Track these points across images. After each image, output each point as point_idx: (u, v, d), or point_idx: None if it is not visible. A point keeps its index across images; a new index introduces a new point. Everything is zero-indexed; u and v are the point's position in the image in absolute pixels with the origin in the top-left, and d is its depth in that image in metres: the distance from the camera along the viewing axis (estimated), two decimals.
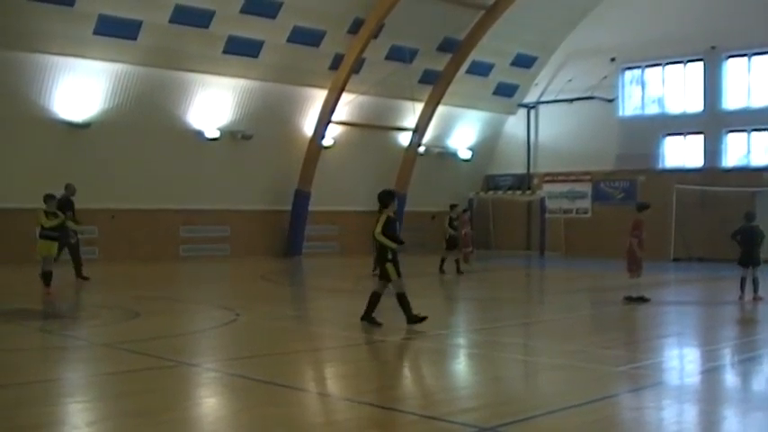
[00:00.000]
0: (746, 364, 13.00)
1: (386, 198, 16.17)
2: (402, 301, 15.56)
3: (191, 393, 10.51)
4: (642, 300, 19.56)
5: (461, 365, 12.93)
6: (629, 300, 19.66)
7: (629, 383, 11.11)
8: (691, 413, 9.75)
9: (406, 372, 12.58)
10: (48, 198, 21.44)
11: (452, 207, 30.62)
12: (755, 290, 20.37)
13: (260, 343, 14.43)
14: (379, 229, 15.44)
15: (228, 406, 9.88)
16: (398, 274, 15.53)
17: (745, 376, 12.20)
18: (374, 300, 15.75)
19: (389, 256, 15.47)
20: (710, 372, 12.31)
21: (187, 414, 9.40)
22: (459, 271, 28.83)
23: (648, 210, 21.12)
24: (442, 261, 29.25)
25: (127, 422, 8.97)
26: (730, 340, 15.61)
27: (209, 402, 10.09)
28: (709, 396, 10.60)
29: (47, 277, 20.81)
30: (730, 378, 12.14)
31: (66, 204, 23.62)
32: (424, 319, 15.47)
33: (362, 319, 15.70)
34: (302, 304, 22.30)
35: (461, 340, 15.23)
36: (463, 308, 21.50)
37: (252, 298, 21.99)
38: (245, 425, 8.97)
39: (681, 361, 13.43)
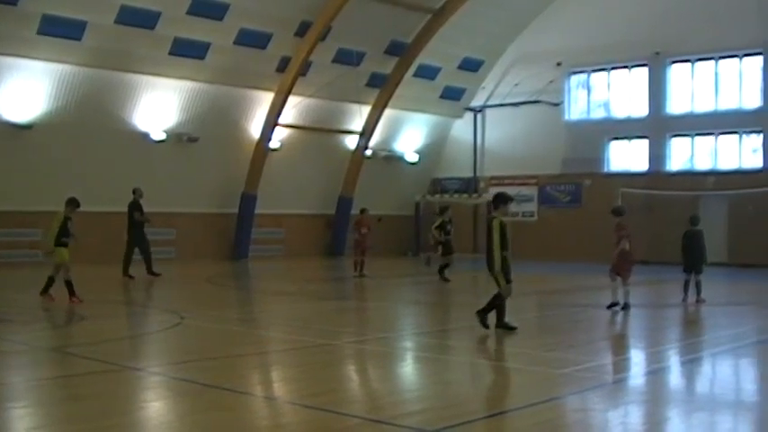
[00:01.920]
0: (690, 365, 13.14)
1: (496, 200, 15.86)
2: (494, 302, 15.34)
3: (135, 398, 10.40)
4: (615, 304, 18.97)
5: (408, 369, 12.94)
6: (624, 307, 18.88)
7: (574, 385, 11.16)
8: (635, 414, 9.82)
9: (353, 375, 12.56)
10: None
11: (443, 210, 29.49)
12: (698, 292, 20.59)
13: (205, 346, 14.34)
14: (497, 238, 15.19)
15: (173, 410, 9.81)
16: (508, 281, 15.32)
17: (689, 377, 12.33)
18: (499, 306, 15.41)
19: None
20: (655, 373, 12.42)
21: (131, 419, 9.30)
22: (444, 278, 27.70)
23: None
24: (441, 268, 27.90)
25: (69, 428, 8.86)
26: (674, 342, 15.77)
27: (154, 407, 9.99)
28: (654, 397, 10.68)
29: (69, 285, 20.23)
30: (674, 379, 12.27)
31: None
32: (514, 328, 15.23)
33: (497, 326, 15.32)
34: (248, 307, 22.21)
35: (408, 343, 15.24)
36: (408, 311, 21.49)
37: (197, 301, 21.87)
38: (190, 429, 8.92)
39: (625, 363, 13.54)
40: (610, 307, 18.92)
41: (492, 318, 15.17)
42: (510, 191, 42.71)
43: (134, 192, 28.31)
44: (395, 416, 9.26)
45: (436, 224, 28.54)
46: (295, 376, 11.86)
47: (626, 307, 18.84)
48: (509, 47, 44.48)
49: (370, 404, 10.21)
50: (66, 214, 20.35)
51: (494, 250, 15.13)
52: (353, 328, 16.48)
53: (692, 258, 20.86)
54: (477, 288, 26.47)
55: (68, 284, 19.81)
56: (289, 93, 37.96)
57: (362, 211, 30.70)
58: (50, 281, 20.11)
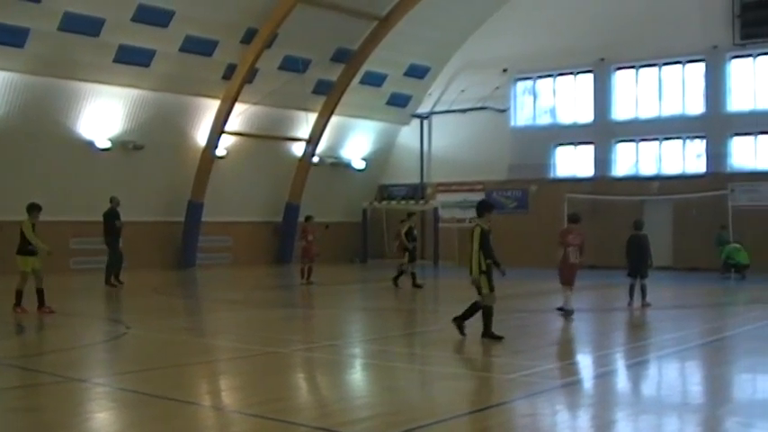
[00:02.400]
0: (636, 368, 13.25)
1: (481, 208, 15.70)
2: (485, 313, 15.21)
3: (79, 409, 10.27)
4: (563, 309, 19.03)
5: (356, 376, 12.92)
6: (568, 313, 18.92)
7: (521, 390, 11.21)
8: (583, 418, 9.88)
9: (299, 383, 12.52)
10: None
11: (409, 216, 29.55)
12: (643, 296, 20.76)
13: (151, 357, 14.22)
14: (476, 246, 15.07)
15: (118, 422, 9.71)
16: (491, 289, 15.22)
17: (635, 380, 12.44)
18: (484, 314, 15.26)
19: (484, 269, 15.15)
20: (601, 377, 12.51)
21: (75, 431, 9.19)
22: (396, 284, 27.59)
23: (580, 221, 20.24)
24: (414, 276, 27.56)
25: None
26: (620, 346, 15.90)
27: (99, 418, 9.87)
28: (601, 400, 10.76)
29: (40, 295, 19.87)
30: (621, 382, 12.37)
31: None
32: (500, 338, 15.05)
33: (483, 336, 15.14)
34: (195, 316, 22.06)
35: (355, 350, 15.21)
36: (356, 318, 21.50)
37: (144, 311, 21.70)
38: None
39: (572, 367, 13.61)
40: (561, 309, 19.07)
41: (475, 326, 15.08)
42: (456, 197, 43.77)
43: (111, 200, 28.60)
44: (342, 423, 9.24)
45: (404, 230, 28.35)
46: (242, 385, 11.80)
47: (566, 312, 18.94)
48: (455, 54, 44.65)
49: (317, 412, 10.17)
50: (31, 221, 19.96)
51: (474, 256, 15.07)
52: (301, 336, 16.43)
53: (636, 263, 21.01)
54: (425, 294, 26.51)
55: (39, 293, 19.65)
56: (235, 100, 37.81)
57: (308, 218, 30.57)
58: (40, 293, 19.78)
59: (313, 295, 26.69)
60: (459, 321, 15.37)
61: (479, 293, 15.23)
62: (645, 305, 20.65)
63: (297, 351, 14.65)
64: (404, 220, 29.19)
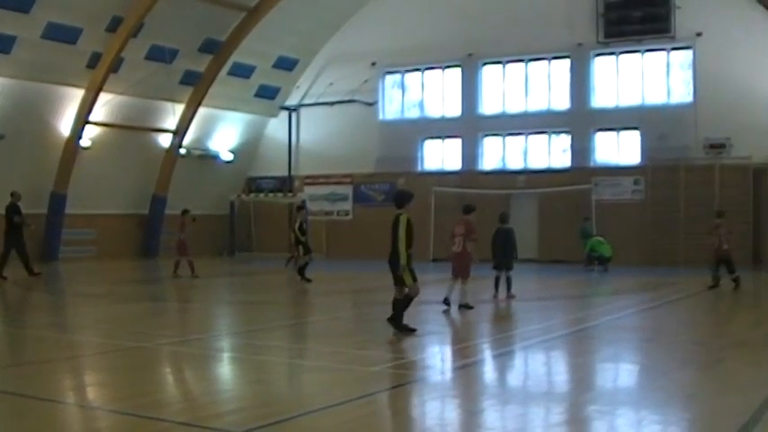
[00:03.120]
0: (501, 358, 13.39)
1: (401, 200, 15.26)
2: (401, 304, 14.86)
3: None
4: (468, 306, 18.85)
5: (221, 369, 12.75)
6: (467, 307, 18.80)
7: (386, 382, 11.24)
8: (447, 409, 9.91)
9: (165, 378, 12.28)
10: None
11: (299, 209, 29.39)
12: (509, 288, 21.02)
13: (10, 353, 13.82)
14: (402, 232, 14.67)
15: None
16: (414, 279, 14.87)
17: (501, 370, 12.57)
18: (402, 303, 14.92)
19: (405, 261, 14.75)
20: (467, 367, 12.59)
21: None
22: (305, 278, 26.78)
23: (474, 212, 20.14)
24: (302, 268, 26.97)
25: None
26: (486, 337, 16.07)
27: None
28: (466, 391, 10.82)
29: None
30: (486, 373, 12.49)
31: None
32: (413, 330, 14.77)
33: (396, 328, 14.79)
34: (57, 311, 21.46)
35: (222, 344, 15.03)
36: (224, 311, 21.29)
37: (3, 306, 21.10)
38: None
39: (437, 358, 13.69)
40: (467, 308, 18.92)
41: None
42: (324, 190, 43.76)
43: (12, 195, 28.15)
44: (206, 417, 9.10)
45: (297, 224, 27.97)
46: (104, 381, 11.52)
47: (467, 307, 18.88)
48: (324, 46, 44.62)
49: (181, 406, 9.99)
50: None
51: (399, 246, 14.72)
52: (167, 330, 16.15)
53: (502, 255, 21.21)
54: (294, 287, 26.40)
55: None
56: (100, 90, 37.10)
57: (185, 211, 30.22)
58: None
59: (179, 289, 26.35)
60: (398, 324, 14.88)
61: (398, 284, 14.92)
62: (510, 297, 20.91)
63: (163, 345, 14.37)
64: (295, 212, 28.81)
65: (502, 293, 20.94)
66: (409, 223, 14.81)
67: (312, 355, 13.75)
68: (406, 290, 14.91)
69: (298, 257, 27.77)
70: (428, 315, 18.06)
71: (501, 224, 21.67)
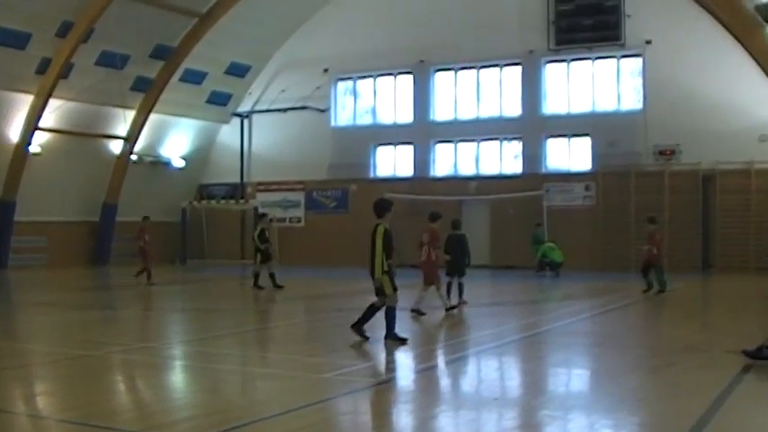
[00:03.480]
0: (454, 364, 13.44)
1: (381, 208, 15.21)
2: (389, 314, 14.74)
3: None
4: (420, 313, 18.99)
5: (173, 377, 12.67)
6: (419, 313, 18.99)
7: (337, 389, 11.22)
8: (401, 415, 9.92)
9: (115, 386, 12.16)
10: None
11: (262, 217, 29.15)
12: (460, 294, 21.05)
13: None
14: (380, 245, 14.54)
15: None
16: (394, 289, 14.75)
17: (454, 376, 12.63)
18: (369, 313, 14.87)
19: (385, 269, 14.62)
20: (420, 373, 12.63)
21: None
22: (276, 285, 26.55)
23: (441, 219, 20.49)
24: (257, 276, 26.82)
25: None
26: (438, 343, 16.11)
27: None
28: (419, 396, 10.84)
29: None
30: (439, 379, 12.51)
31: None
32: (404, 340, 14.68)
33: (352, 326, 14.82)
34: (5, 320, 21.22)
35: (174, 352, 14.94)
36: (175, 319, 21.16)
37: None
38: None
39: (389, 365, 13.67)
40: (449, 310, 19.35)
41: (377, 328, 14.81)
42: (276, 196, 43.63)
43: None
44: (158, 425, 9.05)
45: (257, 232, 27.75)
46: (53, 390, 11.40)
47: (416, 311, 19.02)
48: (276, 53, 44.53)
49: (132, 415, 9.90)
50: None
51: (377, 257, 14.62)
52: (118, 338, 16.03)
53: (454, 261, 21.26)
54: (246, 294, 26.31)
55: None
56: (49, 95, 36.78)
57: (145, 218, 30.14)
58: None
59: (131, 297, 26.15)
60: (359, 327, 14.88)
61: (379, 294, 14.82)
62: (462, 303, 20.95)
63: (113, 354, 14.26)
64: (257, 220, 28.68)
65: (454, 299, 20.97)
66: (387, 233, 14.77)
67: (265, 362, 13.71)
68: (387, 300, 14.82)
69: (255, 264, 27.54)
70: (377, 322, 18.07)
71: (453, 230, 21.70)
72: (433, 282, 19.48)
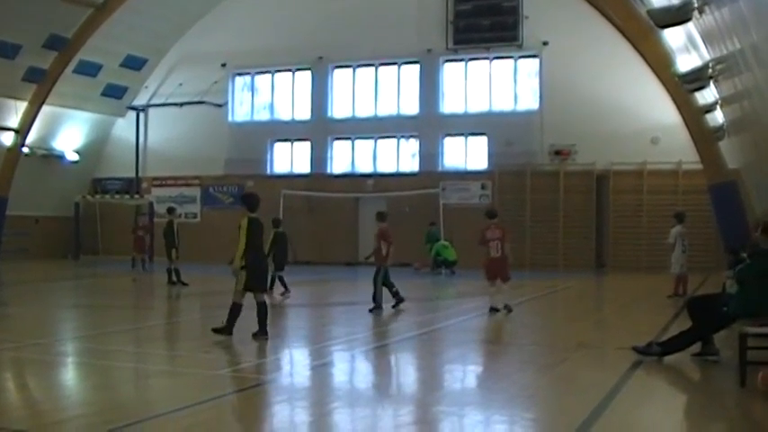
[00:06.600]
0: (350, 361, 13.46)
1: (249, 203, 15.01)
2: (259, 314, 14.62)
3: None
4: (509, 309, 19.20)
5: (62, 375, 12.40)
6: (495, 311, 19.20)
7: (231, 386, 11.20)
8: (295, 411, 9.90)
9: (4, 384, 11.82)
10: None
11: (171, 211, 28.50)
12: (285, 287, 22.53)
13: None
14: (244, 238, 14.32)
15: None
16: (245, 287, 14.53)
17: (349, 373, 12.70)
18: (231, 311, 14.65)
19: (244, 264, 14.40)
20: (314, 369, 12.63)
21: None
22: (179, 281, 26.28)
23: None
24: (177, 272, 26.44)
25: None
26: (334, 339, 16.05)
27: None
28: (313, 393, 10.85)
29: None
30: (333, 374, 12.47)
31: None
32: (228, 333, 14.47)
33: (215, 330, 14.57)
34: None
35: (63, 349, 14.63)
36: (67, 315, 20.75)
37: None
38: None
39: (284, 361, 13.64)
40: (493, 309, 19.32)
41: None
42: (172, 191, 43.17)
43: None
44: (47, 424, 8.87)
45: (165, 226, 27.47)
46: None
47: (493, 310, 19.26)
48: (173, 46, 44.09)
49: (20, 413, 9.66)
50: None
51: (239, 249, 14.45)
52: (6, 335, 15.65)
53: (282, 257, 23.14)
54: (139, 291, 26.00)
55: None
56: None
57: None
58: None
59: (21, 293, 25.61)
60: (225, 331, 14.62)
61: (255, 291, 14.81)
62: (284, 295, 22.05)
63: (2, 351, 13.93)
64: (167, 214, 28.32)
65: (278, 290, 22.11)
66: (252, 225, 14.59)
67: (156, 359, 13.52)
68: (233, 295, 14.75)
69: (173, 261, 27.02)
70: (273, 319, 18.01)
71: (275, 228, 22.80)
72: (509, 277, 19.82)
